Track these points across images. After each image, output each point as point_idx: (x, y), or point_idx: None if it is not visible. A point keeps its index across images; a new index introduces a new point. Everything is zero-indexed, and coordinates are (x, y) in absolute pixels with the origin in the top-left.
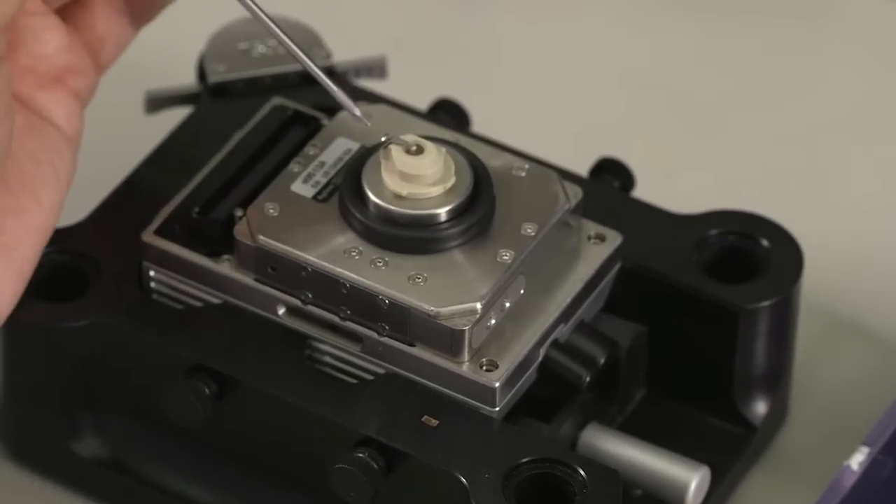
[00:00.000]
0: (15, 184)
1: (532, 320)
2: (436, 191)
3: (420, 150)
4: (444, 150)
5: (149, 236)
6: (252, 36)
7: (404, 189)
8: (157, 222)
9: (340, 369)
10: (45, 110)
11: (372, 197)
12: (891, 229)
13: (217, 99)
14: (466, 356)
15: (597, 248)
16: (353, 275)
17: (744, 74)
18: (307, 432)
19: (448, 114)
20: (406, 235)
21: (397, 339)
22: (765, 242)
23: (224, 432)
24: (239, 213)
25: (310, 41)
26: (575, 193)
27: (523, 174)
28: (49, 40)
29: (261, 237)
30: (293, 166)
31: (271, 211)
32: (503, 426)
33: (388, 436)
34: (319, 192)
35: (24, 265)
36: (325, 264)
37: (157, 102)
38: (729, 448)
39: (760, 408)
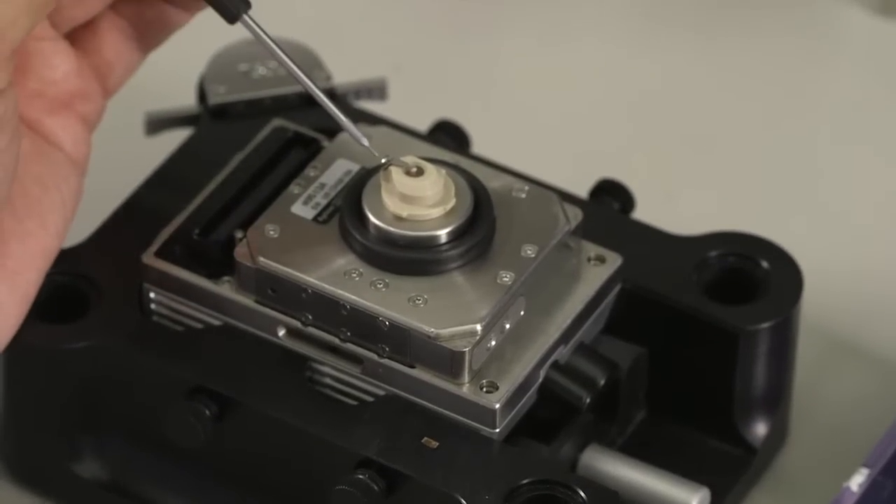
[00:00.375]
0: (21, 208)
1: (532, 342)
2: (436, 212)
3: (420, 172)
4: (444, 171)
5: (149, 258)
6: (252, 57)
7: (404, 211)
8: (157, 244)
9: (341, 391)
10: (52, 135)
11: (372, 218)
12: (891, 251)
13: (217, 120)
14: (467, 378)
15: (597, 270)
16: (353, 296)
17: (744, 96)
18: (307, 454)
19: (448, 135)
20: (406, 257)
21: (397, 361)
22: (765, 264)
23: (224, 454)
24: (239, 234)
25: (310, 63)
26: (575, 215)
27: (523, 196)
28: (58, 65)
29: (261, 259)
30: (293, 188)
31: (272, 232)
32: (503, 447)
33: (389, 457)
34: (320, 214)
35: (29, 289)
36: (326, 286)
37: (157, 124)
38: (729, 469)
39: (760, 429)
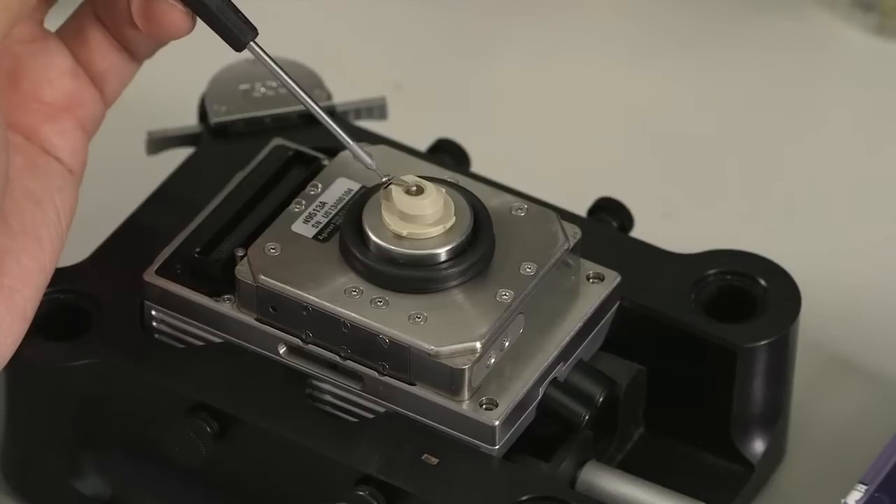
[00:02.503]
0: (15, 224)
1: (531, 359)
2: (436, 231)
3: (420, 191)
4: (443, 190)
5: (150, 276)
6: (253, 77)
7: (404, 229)
8: (158, 262)
9: (341, 408)
10: (49, 142)
11: (372, 237)
12: (888, 269)
13: (218, 139)
14: (466, 395)
15: (595, 288)
16: (353, 314)
17: (742, 116)
18: (308, 470)
19: (448, 154)
20: (406, 275)
21: (398, 378)
22: (762, 282)
23: (225, 470)
24: (240, 252)
25: (310, 82)
26: (574, 233)
27: (522, 214)
28: (52, 64)
29: (262, 277)
30: (294, 206)
31: (272, 251)
32: (503, 464)
33: (389, 474)
34: (320, 232)
35: (27, 307)
36: (326, 304)
37: (158, 143)
38: (727, 486)
39: (758, 446)
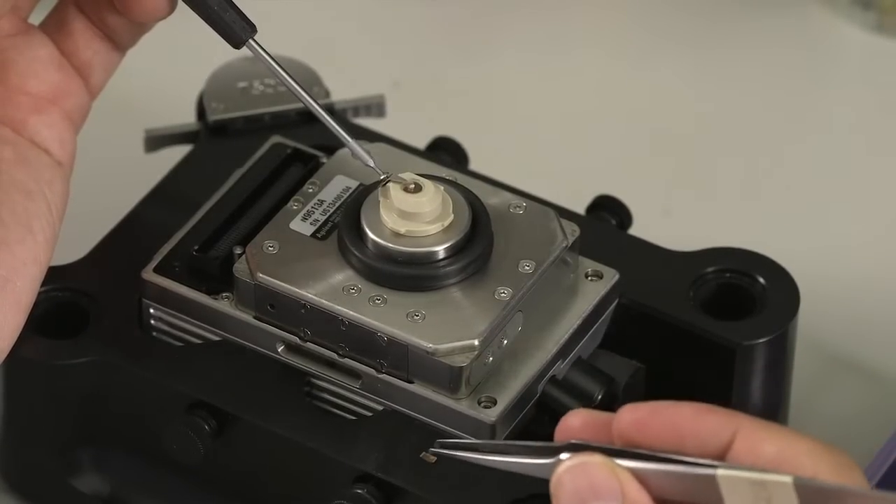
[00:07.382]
0: (7, 216)
1: (530, 357)
2: (434, 228)
3: (418, 189)
4: (441, 188)
5: (149, 274)
6: (251, 75)
7: (403, 227)
8: (156, 260)
9: (339, 405)
10: (37, 135)
11: (370, 235)
12: (887, 266)
13: (216, 137)
14: (465, 392)
15: (594, 286)
16: (351, 312)
17: (741, 113)
18: (306, 468)
19: (446, 152)
20: (404, 273)
21: (396, 376)
22: (761, 280)
23: (224, 468)
24: (238, 250)
25: (308, 80)
26: (572, 231)
27: (521, 212)
28: (37, 56)
29: (260, 275)
30: (292, 204)
31: (270, 249)
32: None
33: (387, 472)
34: (318, 230)
35: (23, 297)
36: (324, 301)
37: (156, 141)
38: None
39: None
